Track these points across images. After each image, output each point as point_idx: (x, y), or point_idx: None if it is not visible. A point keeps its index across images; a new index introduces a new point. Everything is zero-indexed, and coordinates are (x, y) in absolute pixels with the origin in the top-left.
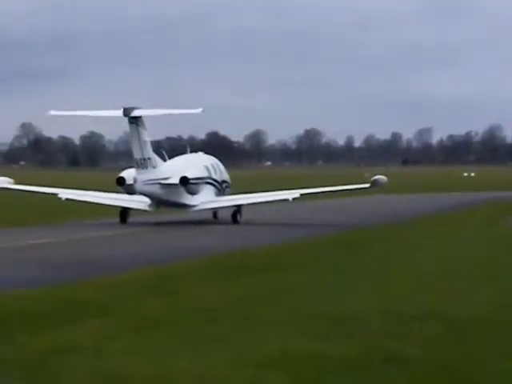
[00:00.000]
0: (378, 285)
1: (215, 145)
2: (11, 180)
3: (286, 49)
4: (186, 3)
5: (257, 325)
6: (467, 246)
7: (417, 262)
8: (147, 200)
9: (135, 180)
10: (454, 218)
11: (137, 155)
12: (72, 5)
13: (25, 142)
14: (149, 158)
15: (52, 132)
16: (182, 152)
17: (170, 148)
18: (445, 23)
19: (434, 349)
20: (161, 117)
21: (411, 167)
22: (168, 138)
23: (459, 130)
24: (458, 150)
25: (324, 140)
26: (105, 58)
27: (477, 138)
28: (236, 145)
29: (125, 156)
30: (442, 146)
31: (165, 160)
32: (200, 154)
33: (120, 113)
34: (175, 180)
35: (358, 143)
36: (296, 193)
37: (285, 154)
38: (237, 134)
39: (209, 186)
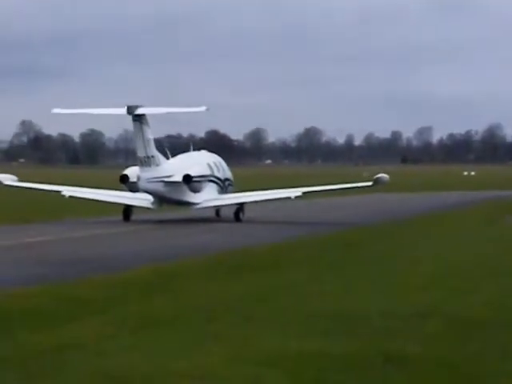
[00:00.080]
0: (378, 283)
1: (215, 143)
2: (15, 177)
3: (286, 47)
4: (186, 3)
5: (257, 323)
6: (467, 244)
7: (417, 261)
8: (150, 198)
9: (139, 178)
10: (454, 217)
11: (140, 153)
12: (72, 3)
13: (24, 139)
14: (152, 156)
15: (52, 130)
16: (183, 150)
17: (170, 146)
18: (445, 22)
19: (434, 347)
20: (161, 115)
21: (411, 166)
22: (168, 137)
23: (459, 128)
24: (458, 149)
25: (324, 138)
26: (105, 57)
27: (477, 137)
28: (236, 143)
29: (124, 154)
30: (442, 144)
31: (168, 158)
32: (203, 152)
33: (124, 111)
34: (178, 178)
35: (358, 142)
36: (298, 191)
37: (284, 152)
38: (236, 132)
39: (212, 184)
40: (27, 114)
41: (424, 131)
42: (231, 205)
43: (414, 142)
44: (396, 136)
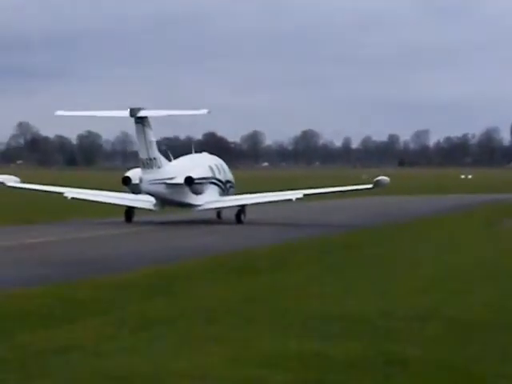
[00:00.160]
0: (379, 285)
1: (212, 145)
2: (18, 179)
3: (284, 50)
4: (186, 3)
5: (258, 324)
6: (466, 247)
7: (417, 263)
8: (152, 199)
9: (141, 180)
10: (453, 220)
11: (143, 155)
12: (71, 4)
13: (22, 141)
14: (154, 158)
15: (49, 131)
16: (182, 152)
17: (168, 148)
18: (443, 25)
19: (434, 349)
20: (158, 117)
21: (408, 169)
22: (166, 139)
23: (456, 132)
24: (455, 152)
25: (321, 141)
26: (104, 58)
27: (474, 141)
28: (233, 145)
29: (121, 156)
30: (439, 147)
31: (170, 160)
32: (204, 154)
33: (126, 113)
34: (180, 180)
35: (355, 145)
36: (299, 193)
37: (281, 154)
38: (234, 134)
39: (213, 186)
40: (24, 116)
41: (421, 134)
42: (232, 207)
43: (411, 145)
44: (393, 139)
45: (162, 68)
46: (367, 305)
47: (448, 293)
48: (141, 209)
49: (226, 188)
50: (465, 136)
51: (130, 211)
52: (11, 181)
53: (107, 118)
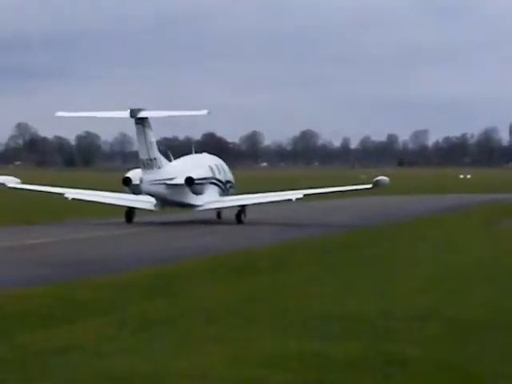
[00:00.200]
0: (378, 285)
1: (211, 146)
2: (18, 180)
3: (283, 50)
4: (185, 3)
5: (258, 324)
6: (465, 247)
7: (416, 263)
8: (153, 200)
9: (141, 180)
10: (452, 220)
11: (143, 156)
12: (70, 4)
13: (20, 142)
14: (155, 159)
15: (47, 132)
16: (182, 153)
17: (166, 149)
18: (442, 25)
19: (433, 349)
20: (158, 118)
21: (407, 169)
22: (165, 139)
23: (455, 131)
24: (454, 152)
25: (320, 141)
26: (104, 58)
27: (472, 140)
28: (231, 146)
29: (120, 156)
30: (437, 147)
31: (170, 160)
32: (205, 154)
33: (127, 114)
34: (180, 180)
35: (353, 145)
36: (299, 193)
37: (280, 155)
38: (233, 135)
39: (213, 187)
40: (23, 117)
41: (420, 134)
42: (233, 207)
43: (410, 145)
44: (392, 139)
45: (161, 68)
46: (367, 305)
47: (447, 293)
48: (141, 209)
49: (226, 188)
50: (464, 136)
51: (130, 212)
52: (12, 182)
53: (106, 119)
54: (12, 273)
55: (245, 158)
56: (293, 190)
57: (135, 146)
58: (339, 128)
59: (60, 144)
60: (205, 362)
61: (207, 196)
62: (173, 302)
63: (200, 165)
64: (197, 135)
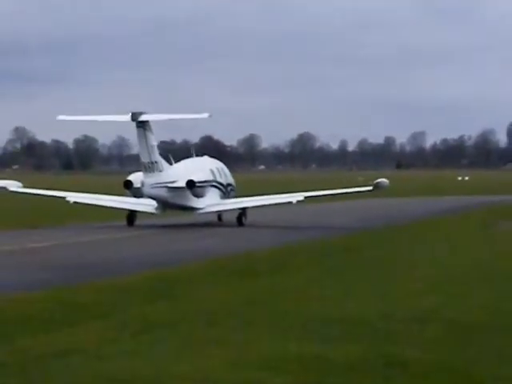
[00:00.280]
0: (378, 288)
1: (209, 149)
2: (20, 184)
3: (279, 53)
4: (185, 6)
5: (258, 327)
6: (463, 249)
7: (415, 266)
8: (154, 203)
9: (143, 183)
10: (450, 222)
11: (144, 159)
12: (69, 7)
13: (18, 145)
14: (156, 162)
15: (45, 136)
16: (185, 156)
17: (165, 152)
18: (440, 26)
19: (434, 351)
20: (158, 121)
21: (405, 171)
22: (162, 143)
23: (452, 133)
24: (452, 154)
25: (317, 144)
26: (103, 61)
27: (470, 142)
28: (229, 149)
29: (117, 160)
30: (435, 149)
31: (171, 164)
32: (205, 157)
33: (128, 117)
34: (182, 183)
35: (351, 147)
36: (300, 195)
37: (278, 157)
38: (230, 138)
39: (214, 189)
40: (20, 121)
41: (417, 136)
42: (234, 209)
43: (408, 148)
44: (389, 141)
45: (161, 71)
46: (367, 307)
47: (446, 295)
48: (142, 212)
49: (226, 191)
50: (461, 138)
51: (131, 215)
52: (14, 186)
53: (104, 122)
54: (13, 277)
55: (242, 160)
56: (293, 192)
57: (133, 150)
58: (337, 131)
59: (57, 148)
60: (205, 364)
61: (208, 199)
62: (174, 305)
63: (201, 168)
64: (194, 138)
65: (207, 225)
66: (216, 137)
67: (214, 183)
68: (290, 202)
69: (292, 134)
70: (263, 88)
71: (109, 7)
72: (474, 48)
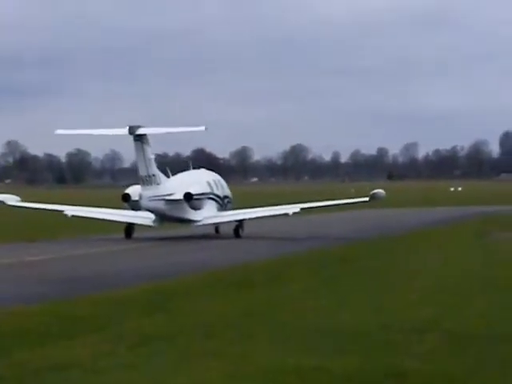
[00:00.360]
0: (375, 298)
1: (201, 161)
2: (18, 198)
3: (271, 65)
4: (181, 18)
5: (256, 339)
6: (458, 259)
7: (411, 276)
8: (152, 216)
9: (141, 196)
10: (444, 233)
11: (142, 172)
12: (64, 20)
13: (10, 160)
14: (153, 175)
15: (37, 150)
16: (182, 169)
17: (158, 165)
18: (431, 37)
19: (432, 361)
20: (156, 134)
21: (397, 182)
22: (155, 155)
23: (445, 144)
24: (444, 165)
25: (310, 156)
26: (98, 75)
27: (462, 153)
28: (221, 161)
29: (110, 173)
30: (427, 160)
31: (168, 176)
32: (202, 170)
33: (125, 131)
34: (179, 196)
35: (344, 159)
36: (296, 207)
37: (270, 169)
38: (222, 150)
39: (211, 202)
40: (13, 134)
41: (410, 147)
42: (231, 222)
43: (400, 159)
44: (382, 152)
45: (157, 83)
46: (364, 318)
47: (444, 305)
48: (140, 225)
49: (223, 203)
50: (454, 148)
51: (129, 228)
52: (12, 200)
53: (98, 136)
54: (11, 290)
55: (235, 173)
56: (288, 204)
57: (125, 163)
58: (329, 142)
59: (50, 161)
60: (203, 377)
61: (206, 211)
62: (171, 318)
63: (198, 181)
64: (187, 151)
65: (205, 237)
66: (208, 149)
67: (211, 195)
68: (286, 214)
69: (284, 145)
70: (256, 100)
71: (104, 19)
72: (466, 59)
